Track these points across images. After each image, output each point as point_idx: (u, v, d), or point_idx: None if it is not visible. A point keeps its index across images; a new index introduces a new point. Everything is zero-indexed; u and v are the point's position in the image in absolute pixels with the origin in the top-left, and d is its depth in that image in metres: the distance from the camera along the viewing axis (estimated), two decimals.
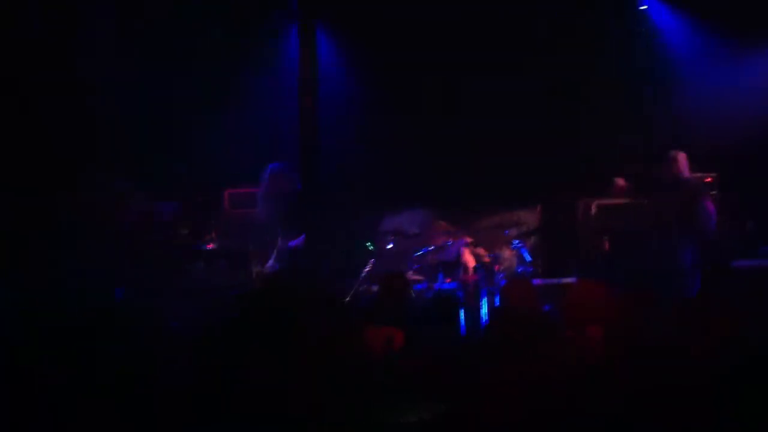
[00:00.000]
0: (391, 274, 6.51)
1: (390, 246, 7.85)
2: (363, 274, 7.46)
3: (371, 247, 7.62)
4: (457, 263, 7.58)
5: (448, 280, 7.63)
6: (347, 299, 6.87)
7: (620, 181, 8.19)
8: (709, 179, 7.87)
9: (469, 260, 7.71)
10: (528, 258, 7.84)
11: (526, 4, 8.78)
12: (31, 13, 7.65)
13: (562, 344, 4.26)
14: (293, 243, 7.18)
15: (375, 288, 6.42)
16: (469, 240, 7.82)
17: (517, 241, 7.93)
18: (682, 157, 7.16)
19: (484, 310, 7.17)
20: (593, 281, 4.61)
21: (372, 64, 9.09)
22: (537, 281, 7.51)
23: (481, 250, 7.93)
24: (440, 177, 8.91)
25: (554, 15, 8.82)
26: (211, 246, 7.30)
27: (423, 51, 8.84)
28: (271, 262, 7.21)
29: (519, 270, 7.82)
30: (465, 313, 6.86)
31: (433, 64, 8.90)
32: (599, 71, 8.98)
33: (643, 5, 9.17)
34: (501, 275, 7.55)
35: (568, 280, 7.74)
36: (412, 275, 7.84)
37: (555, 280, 7.77)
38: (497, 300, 7.09)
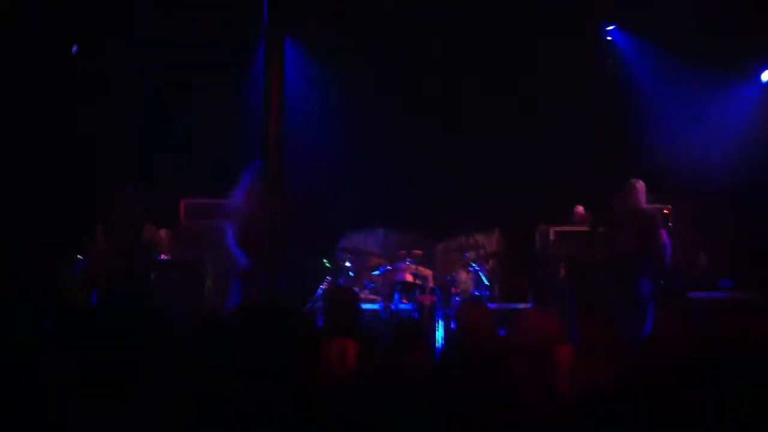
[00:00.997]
0: (338, 287, 6.45)
1: (347, 264, 7.78)
2: (319, 291, 7.37)
3: (328, 265, 7.55)
4: (414, 284, 7.52)
5: (405, 301, 7.57)
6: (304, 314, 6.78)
7: (579, 209, 8.23)
8: (666, 210, 7.94)
9: (408, 279, 7.63)
10: (485, 281, 7.82)
11: (496, 32, 8.83)
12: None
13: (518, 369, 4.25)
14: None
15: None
16: (410, 260, 7.71)
17: (474, 265, 7.90)
18: (640, 187, 7.21)
19: (440, 332, 7.12)
20: (546, 310, 4.63)
21: (339, 83, 9.07)
22: (493, 305, 7.49)
23: (427, 271, 7.87)
24: (402, 198, 8.90)
25: (521, 42, 8.88)
26: (164, 257, 7.17)
27: (390, 72, 8.86)
28: None
29: (475, 293, 7.79)
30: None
31: (398, 86, 8.93)
32: (562, 99, 9.04)
33: (608, 35, 9.28)
34: (458, 298, 7.51)
35: (524, 305, 7.75)
36: (368, 294, 7.77)
37: (510, 305, 7.77)
38: (452, 323, 7.06)
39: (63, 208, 7.72)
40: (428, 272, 7.85)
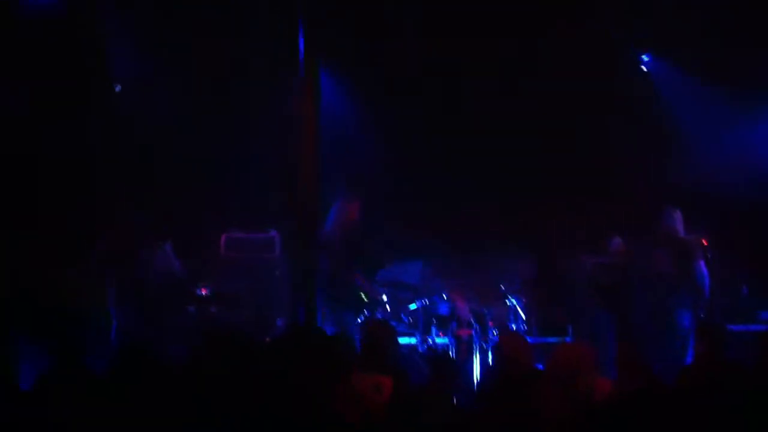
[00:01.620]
0: (375, 321, 6.45)
1: (384, 297, 7.80)
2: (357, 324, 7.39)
3: (364, 298, 7.57)
4: (452, 317, 7.51)
5: (441, 335, 7.56)
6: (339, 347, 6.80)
7: (617, 240, 8.18)
8: (704, 241, 7.87)
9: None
10: (522, 314, 7.79)
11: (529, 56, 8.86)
12: None
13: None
14: None
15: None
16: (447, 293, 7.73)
17: (511, 296, 7.88)
18: (677, 215, 7.17)
19: (477, 366, 7.11)
20: (583, 344, 4.61)
21: (377, 112, 9.14)
22: (530, 339, 7.46)
23: (463, 304, 7.85)
24: (438, 229, 8.91)
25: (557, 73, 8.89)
26: (204, 290, 7.28)
27: (426, 103, 8.93)
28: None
29: (512, 326, 7.76)
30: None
31: (435, 117, 8.99)
32: (599, 128, 9.04)
33: (642, 63, 9.26)
34: (495, 331, 7.49)
35: (563, 339, 7.70)
36: (405, 328, 7.77)
37: (548, 339, 7.72)
38: (491, 356, 7.04)
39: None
40: (465, 305, 7.84)
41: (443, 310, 7.64)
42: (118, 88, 8.36)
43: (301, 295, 6.99)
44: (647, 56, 9.27)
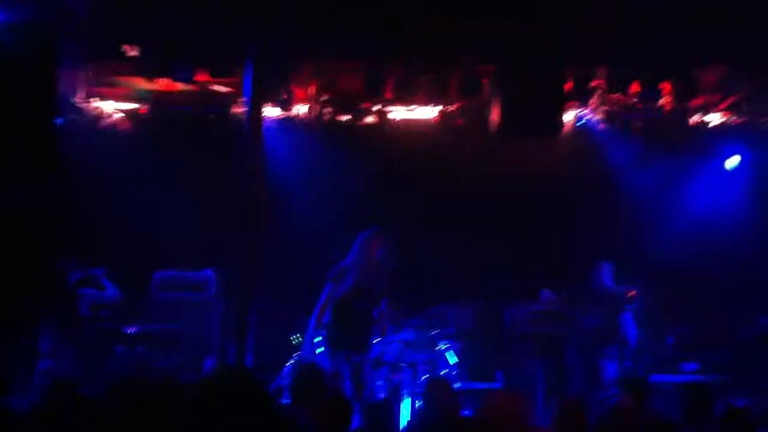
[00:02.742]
0: (305, 365, 6.41)
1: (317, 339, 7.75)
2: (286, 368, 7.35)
3: (296, 340, 7.54)
4: (381, 361, 7.50)
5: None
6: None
7: (547, 292, 8.34)
8: (632, 293, 8.05)
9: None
10: (453, 360, 7.83)
11: None
12: None
13: None
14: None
15: None
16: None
17: (443, 342, 7.92)
18: (607, 268, 7.33)
19: (407, 411, 7.11)
20: (513, 392, 4.66)
21: None
22: (459, 385, 7.49)
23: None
24: None
25: None
26: (132, 329, 7.17)
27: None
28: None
29: (443, 372, 7.78)
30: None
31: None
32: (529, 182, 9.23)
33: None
34: (426, 375, 7.49)
35: (491, 385, 7.76)
36: None
37: (477, 385, 7.76)
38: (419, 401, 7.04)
39: None
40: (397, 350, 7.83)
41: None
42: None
43: (233, 334, 6.95)
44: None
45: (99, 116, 8.67)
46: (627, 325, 7.05)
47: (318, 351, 6.90)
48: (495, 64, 7.78)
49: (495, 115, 7.40)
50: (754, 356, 8.17)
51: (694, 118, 9.02)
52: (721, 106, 8.96)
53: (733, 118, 9.04)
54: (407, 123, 9.08)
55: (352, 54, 8.20)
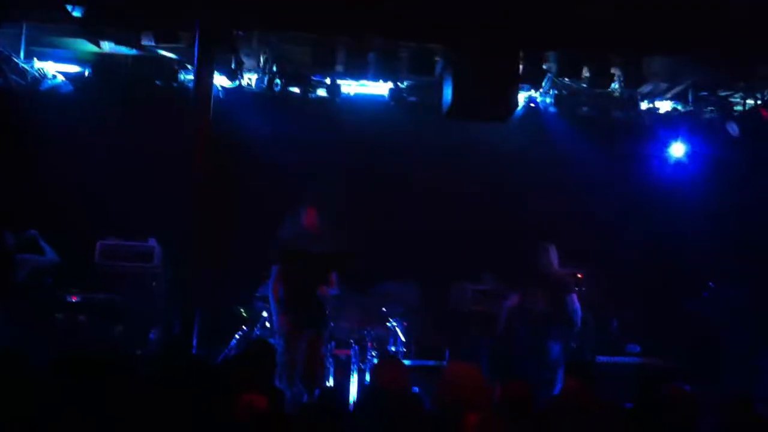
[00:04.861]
0: (256, 340, 6.33)
1: (264, 314, 7.67)
2: (233, 341, 7.25)
3: (244, 313, 7.44)
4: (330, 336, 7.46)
5: None
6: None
7: (488, 275, 8.41)
8: (578, 275, 8.14)
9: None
10: (402, 337, 7.83)
11: None
12: None
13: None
14: None
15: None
16: None
17: (392, 320, 7.92)
18: (552, 250, 7.37)
19: (354, 386, 7.09)
20: (467, 365, 4.66)
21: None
22: (409, 361, 7.51)
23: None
24: None
25: None
26: (74, 298, 6.97)
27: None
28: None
29: (391, 349, 7.79)
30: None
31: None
32: (484, 160, 9.25)
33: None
34: (373, 352, 7.49)
35: (440, 362, 7.79)
36: None
37: (426, 362, 7.79)
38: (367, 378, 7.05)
39: None
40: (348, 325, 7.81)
41: None
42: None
43: (178, 306, 6.80)
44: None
45: (41, 78, 8.35)
46: (572, 307, 7.10)
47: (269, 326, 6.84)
48: (446, 43, 7.72)
49: (446, 95, 7.35)
50: (686, 338, 8.36)
51: (642, 105, 9.16)
52: (668, 95, 9.11)
53: (679, 106, 9.21)
54: (358, 98, 9.00)
55: (302, 24, 8.03)
